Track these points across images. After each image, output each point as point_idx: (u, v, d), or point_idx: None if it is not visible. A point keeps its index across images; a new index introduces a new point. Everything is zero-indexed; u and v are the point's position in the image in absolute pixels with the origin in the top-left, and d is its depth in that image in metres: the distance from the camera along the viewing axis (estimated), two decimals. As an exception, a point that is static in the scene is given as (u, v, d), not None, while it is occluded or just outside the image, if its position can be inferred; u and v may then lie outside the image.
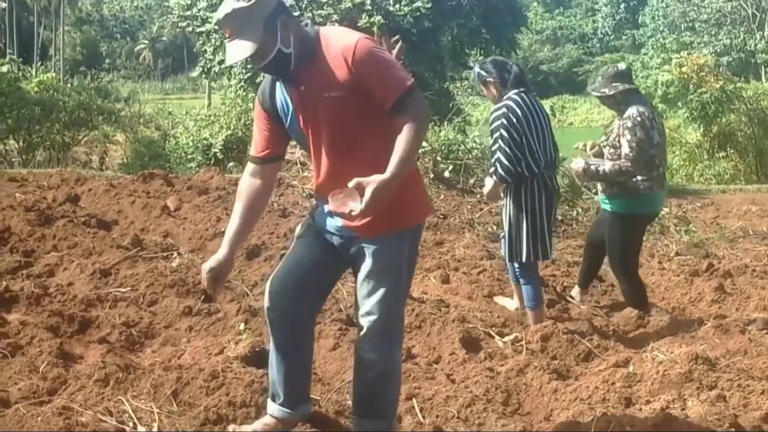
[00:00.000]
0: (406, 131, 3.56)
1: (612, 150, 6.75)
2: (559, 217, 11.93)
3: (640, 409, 4.44)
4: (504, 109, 6.25)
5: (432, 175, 12.94)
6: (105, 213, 10.11)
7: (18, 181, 12.31)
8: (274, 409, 4.09)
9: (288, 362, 4.03)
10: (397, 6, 20.21)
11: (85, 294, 6.45)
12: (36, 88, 20.73)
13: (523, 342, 5.91)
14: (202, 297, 6.47)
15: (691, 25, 58.67)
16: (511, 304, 7.08)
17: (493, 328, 6.27)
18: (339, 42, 3.70)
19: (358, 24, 19.35)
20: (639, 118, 6.61)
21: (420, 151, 13.13)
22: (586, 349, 5.82)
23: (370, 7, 20.02)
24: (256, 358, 4.96)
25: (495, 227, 10.72)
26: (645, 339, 6.17)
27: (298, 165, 13.04)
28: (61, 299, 6.29)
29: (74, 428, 3.32)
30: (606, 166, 6.69)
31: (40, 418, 3.42)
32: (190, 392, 4.36)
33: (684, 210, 13.17)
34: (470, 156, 13.71)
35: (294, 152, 12.59)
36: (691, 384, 4.69)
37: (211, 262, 3.98)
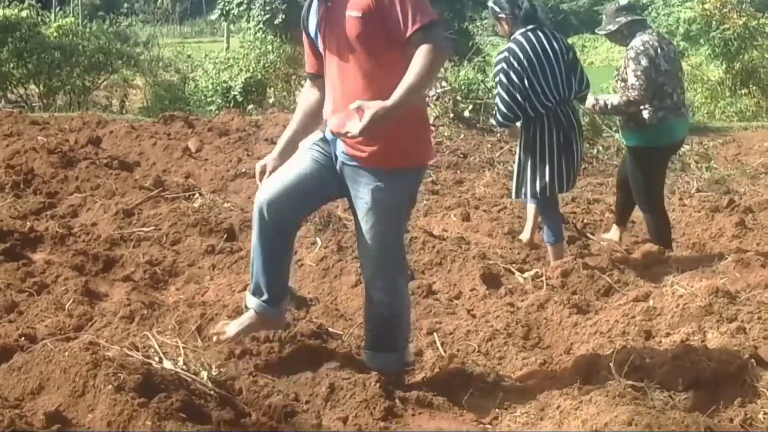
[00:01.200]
0: (418, 62, 3.58)
1: (622, 84, 6.72)
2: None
3: (660, 342, 4.46)
4: (505, 53, 6.32)
5: (452, 115, 12.91)
6: (127, 155, 10.16)
7: (40, 124, 12.34)
8: (257, 304, 4.17)
9: (275, 263, 4.14)
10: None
11: (109, 233, 6.52)
12: (55, 33, 20.65)
13: (543, 278, 5.93)
14: (225, 236, 6.53)
15: (714, -40, 57.78)
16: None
17: (514, 265, 6.30)
18: None
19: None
20: (642, 47, 6.58)
21: (440, 90, 13.12)
22: (606, 284, 5.83)
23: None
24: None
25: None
26: (665, 274, 6.17)
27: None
28: (85, 239, 6.36)
29: (101, 362, 3.36)
30: (614, 99, 6.72)
31: (67, 353, 3.46)
32: (215, 327, 4.42)
33: (705, 147, 13.06)
34: (490, 95, 13.64)
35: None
36: (711, 317, 4.69)
37: (264, 159, 4.19)
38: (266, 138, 11.37)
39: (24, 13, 20.51)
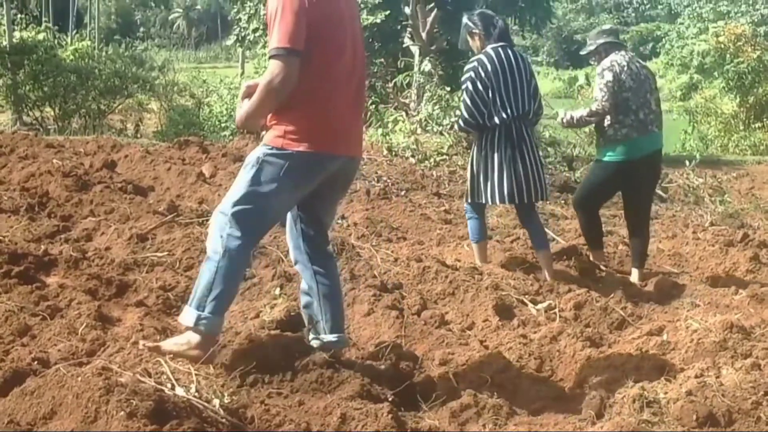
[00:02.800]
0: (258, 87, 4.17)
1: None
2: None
3: (674, 377, 4.44)
4: (474, 63, 6.78)
5: (465, 144, 12.92)
6: (141, 179, 10.19)
7: (55, 147, 12.38)
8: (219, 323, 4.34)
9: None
10: (433, -26, 20.09)
11: (123, 258, 6.52)
12: (71, 56, 20.79)
13: (557, 310, 5.92)
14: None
15: (728, -6, 57.81)
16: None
17: (527, 296, 6.28)
18: None
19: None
20: (609, 64, 7.08)
21: (453, 119, 13.12)
22: (620, 317, 5.82)
23: (405, -24, 19.91)
24: (291, 323, 5.01)
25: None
26: (679, 308, 6.16)
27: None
28: (99, 263, 6.36)
29: (114, 388, 3.36)
30: (579, 111, 7.38)
31: (79, 378, 3.46)
32: (227, 355, 4.41)
33: (719, 180, 13.06)
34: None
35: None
36: (726, 352, 4.67)
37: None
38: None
39: (41, 36, 20.69)
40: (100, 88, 19.94)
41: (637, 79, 7.12)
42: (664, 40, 60.98)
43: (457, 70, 20.31)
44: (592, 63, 7.76)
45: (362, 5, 19.16)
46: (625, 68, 7.07)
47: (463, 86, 6.81)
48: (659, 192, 12.35)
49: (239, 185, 4.27)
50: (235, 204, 4.24)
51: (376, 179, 11.07)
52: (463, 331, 5.57)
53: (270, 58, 4.09)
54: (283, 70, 4.04)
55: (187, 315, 4.29)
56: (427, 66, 15.82)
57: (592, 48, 7.41)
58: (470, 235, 7.21)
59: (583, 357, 4.97)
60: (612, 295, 6.32)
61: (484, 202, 6.95)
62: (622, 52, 7.26)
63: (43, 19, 33.43)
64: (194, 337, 4.25)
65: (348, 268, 6.25)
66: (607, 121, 7.05)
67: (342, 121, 4.35)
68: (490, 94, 6.67)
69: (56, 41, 22.06)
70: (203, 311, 4.24)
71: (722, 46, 20.90)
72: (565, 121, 7.46)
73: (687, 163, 12.98)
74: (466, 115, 6.78)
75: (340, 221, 8.28)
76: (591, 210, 7.49)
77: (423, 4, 16.91)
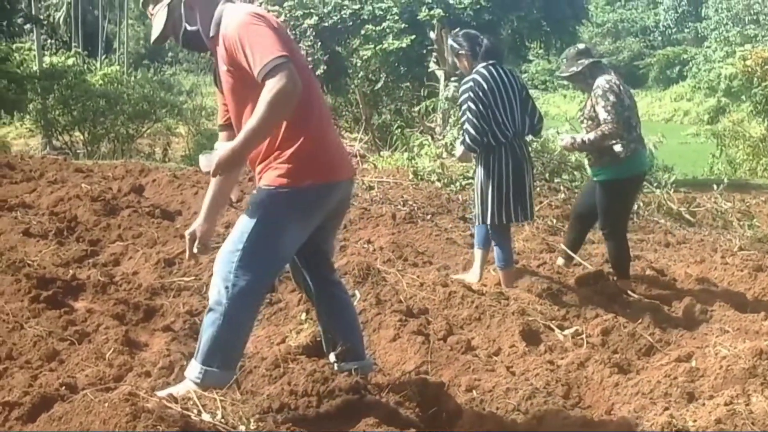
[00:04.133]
0: (259, 104, 3.74)
1: (589, 122, 7.16)
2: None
3: (703, 404, 4.40)
4: (471, 83, 6.82)
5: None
6: (169, 203, 10.25)
7: (84, 171, 12.51)
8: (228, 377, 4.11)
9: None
10: (457, -1, 20.15)
11: (150, 283, 6.55)
12: (100, 81, 21.06)
13: (584, 335, 5.89)
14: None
15: (755, 17, 57.46)
16: (470, 277, 7.32)
17: (553, 321, 6.25)
18: (225, 20, 3.97)
19: (418, 17, 19.31)
20: (607, 85, 7.00)
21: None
22: (648, 343, 5.78)
23: (430, 0, 19.98)
24: (317, 348, 5.00)
25: (555, 220, 10.66)
26: (707, 334, 6.10)
27: (358, 157, 13.06)
28: (127, 288, 6.40)
29: (140, 414, 3.37)
30: (590, 135, 7.06)
31: (107, 404, 3.47)
32: (253, 381, 4.41)
33: (747, 204, 12.97)
34: (531, 148, 13.65)
35: (354, 145, 12.62)
36: (755, 379, 4.62)
37: (192, 226, 4.41)
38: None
39: (70, 61, 20.96)
40: (129, 112, 20.14)
41: (630, 96, 7.27)
42: (691, 63, 60.90)
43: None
44: (573, 85, 7.73)
45: (388, 30, 19.23)
46: (621, 88, 7.11)
47: (464, 107, 6.87)
48: (687, 216, 12.29)
49: (247, 229, 4.04)
50: (245, 248, 4.03)
51: (402, 203, 11.06)
52: (490, 356, 5.55)
53: (267, 73, 3.73)
54: (289, 77, 3.71)
55: (192, 369, 4.13)
56: (450, 90, 15.83)
57: (575, 70, 7.24)
58: (498, 261, 7.08)
59: (610, 383, 4.93)
60: (640, 321, 6.27)
61: (497, 222, 6.93)
62: (609, 71, 7.29)
63: (73, 44, 33.76)
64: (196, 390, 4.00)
65: (374, 293, 6.24)
66: (612, 141, 7.02)
67: (333, 144, 4.25)
68: (490, 113, 6.78)
69: (86, 66, 22.32)
70: (210, 366, 4.09)
71: (749, 69, 20.79)
72: (575, 145, 7.21)
73: (715, 186, 12.90)
74: (474, 133, 6.81)
75: (365, 246, 8.29)
76: (623, 233, 7.47)
77: (448, 29, 16.94)
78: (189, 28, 4.08)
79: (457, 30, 7.52)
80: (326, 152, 4.13)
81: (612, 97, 6.94)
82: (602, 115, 6.95)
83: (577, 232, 7.87)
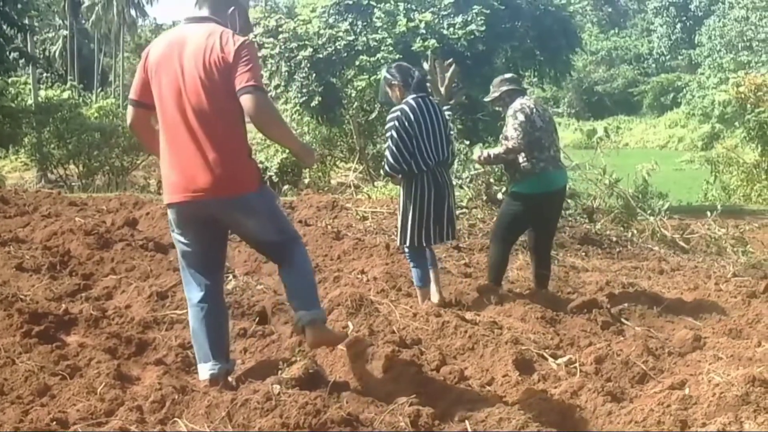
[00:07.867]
0: None
1: (505, 141, 7.73)
2: (614, 239, 11.86)
3: (696, 432, 4.39)
4: (398, 113, 7.17)
5: (485, 197, 12.93)
6: (162, 236, 10.24)
7: (78, 205, 12.52)
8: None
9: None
10: (451, 30, 20.24)
11: (143, 316, 6.55)
12: (96, 114, 21.10)
13: (577, 364, 5.87)
14: (257, 319, 6.53)
15: (748, 44, 57.77)
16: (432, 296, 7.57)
17: (547, 350, 6.24)
18: None
19: (412, 47, 19.39)
20: (519, 107, 7.68)
21: (473, 173, 13.16)
22: (641, 371, 5.77)
23: (424, 31, 20.10)
24: (310, 380, 5.00)
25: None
26: (701, 361, 6.09)
27: (352, 188, 13.09)
28: (119, 321, 6.39)
29: (131, 449, 3.36)
30: (496, 149, 7.91)
31: (97, 439, 3.47)
32: (245, 414, 4.40)
33: (741, 231, 12.99)
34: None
35: (348, 175, 12.66)
36: (748, 406, 4.61)
37: None
38: (300, 220, 11.45)
39: (65, 95, 20.99)
40: (124, 145, 20.21)
41: (545, 120, 7.80)
42: (685, 90, 61.15)
43: (476, 123, 20.43)
44: (497, 109, 8.32)
45: (382, 61, 19.31)
46: (534, 110, 7.71)
47: (388, 134, 7.24)
48: (681, 243, 12.30)
49: None
50: None
51: (396, 234, 11.05)
52: (483, 386, 5.53)
53: (256, 91, 4.80)
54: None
55: (313, 313, 5.05)
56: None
57: (496, 95, 7.99)
58: (416, 281, 7.52)
59: (604, 412, 4.92)
60: (633, 349, 6.27)
61: (416, 244, 7.37)
62: (527, 97, 7.95)
63: (69, 77, 33.90)
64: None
65: (366, 324, 6.22)
66: (522, 158, 7.62)
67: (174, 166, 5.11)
68: (414, 142, 7.13)
69: (81, 99, 22.37)
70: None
71: (743, 95, 20.90)
72: (482, 158, 8.06)
73: (709, 213, 12.93)
74: (392, 161, 7.17)
75: (359, 276, 8.29)
76: (507, 243, 8.09)
77: (441, 59, 17.03)
78: None
79: (391, 62, 7.84)
80: (166, 176, 4.97)
81: (521, 117, 7.59)
82: (509, 132, 7.62)
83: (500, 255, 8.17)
